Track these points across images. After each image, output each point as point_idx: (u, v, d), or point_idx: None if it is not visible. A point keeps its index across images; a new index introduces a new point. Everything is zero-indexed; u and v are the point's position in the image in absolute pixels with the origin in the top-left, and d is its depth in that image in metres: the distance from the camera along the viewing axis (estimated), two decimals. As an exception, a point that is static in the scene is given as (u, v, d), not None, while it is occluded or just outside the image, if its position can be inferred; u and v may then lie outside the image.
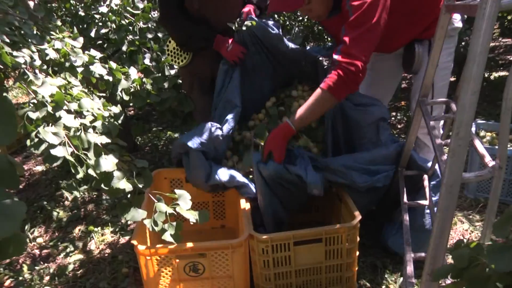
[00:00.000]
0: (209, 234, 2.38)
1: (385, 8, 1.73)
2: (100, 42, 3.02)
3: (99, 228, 2.59)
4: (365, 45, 1.72)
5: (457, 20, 2.18)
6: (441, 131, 2.31)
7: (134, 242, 1.76)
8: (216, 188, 2.13)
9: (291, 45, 2.27)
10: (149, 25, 2.89)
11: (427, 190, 1.99)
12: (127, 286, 2.08)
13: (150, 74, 2.51)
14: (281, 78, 2.39)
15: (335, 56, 1.73)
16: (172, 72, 2.59)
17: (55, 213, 2.74)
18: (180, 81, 2.51)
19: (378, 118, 2.08)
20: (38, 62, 1.87)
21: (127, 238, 2.48)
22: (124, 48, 2.75)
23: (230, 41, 2.24)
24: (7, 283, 2.20)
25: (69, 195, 2.98)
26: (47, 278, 2.19)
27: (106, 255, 2.35)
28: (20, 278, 2.20)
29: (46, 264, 2.31)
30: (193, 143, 2.05)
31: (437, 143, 1.36)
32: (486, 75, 4.86)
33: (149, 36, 2.82)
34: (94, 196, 2.97)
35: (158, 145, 3.85)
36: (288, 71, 2.37)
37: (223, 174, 2.07)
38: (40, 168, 3.56)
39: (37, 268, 2.27)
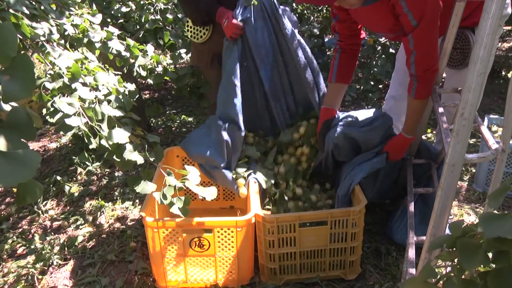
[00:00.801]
0: (218, 213, 2.43)
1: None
2: (121, 21, 3.08)
3: (110, 203, 2.65)
4: (435, 50, 1.80)
5: (507, 4, 2.07)
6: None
7: (143, 214, 1.82)
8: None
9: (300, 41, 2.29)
10: (169, 7, 2.93)
11: (435, 177, 2.01)
12: (134, 260, 2.14)
13: (176, 50, 2.56)
14: (279, 68, 2.38)
15: (412, 71, 1.82)
16: None
17: (67, 187, 2.81)
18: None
19: (386, 128, 2.13)
20: (56, 36, 1.92)
21: (136, 214, 2.55)
22: (147, 26, 2.80)
23: (228, 13, 2.23)
24: (19, 250, 2.29)
25: (83, 170, 3.05)
26: (57, 248, 2.26)
27: (115, 229, 2.42)
28: (32, 246, 2.28)
29: (56, 235, 2.38)
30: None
31: (444, 128, 1.38)
32: (503, 73, 4.82)
33: (170, 16, 2.86)
34: (107, 172, 3.04)
35: (171, 127, 3.91)
36: (288, 64, 2.36)
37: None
38: (54, 145, 3.65)
39: (48, 238, 2.35)
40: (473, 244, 0.82)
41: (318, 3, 1.94)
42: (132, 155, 1.72)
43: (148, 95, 5.15)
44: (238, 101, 2.21)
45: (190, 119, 4.17)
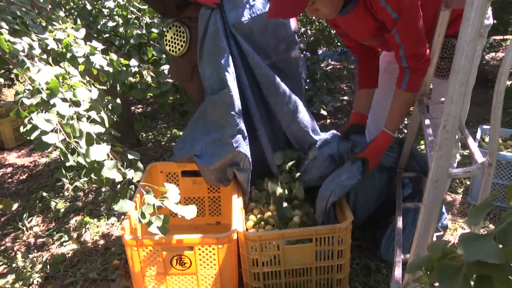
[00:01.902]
0: (203, 230, 2.35)
1: None
2: (107, 35, 3.02)
3: (95, 219, 2.57)
4: (422, 38, 1.72)
5: (488, 15, 2.00)
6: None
7: (121, 231, 1.73)
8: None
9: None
10: (155, 20, 2.88)
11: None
12: (116, 278, 2.05)
13: (160, 65, 2.49)
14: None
15: (404, 64, 1.76)
16: None
17: (53, 203, 2.73)
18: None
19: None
20: (37, 51, 1.87)
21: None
22: (132, 41, 2.74)
23: None
24: (0, 269, 2.19)
25: (70, 185, 2.97)
26: (40, 266, 2.18)
27: (100, 246, 2.33)
28: (14, 265, 2.19)
29: (40, 253, 2.30)
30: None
31: (428, 141, 1.31)
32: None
33: (155, 31, 2.81)
34: (93, 188, 2.96)
35: (161, 141, 3.84)
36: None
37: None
38: (44, 160, 3.57)
39: (30, 256, 2.26)
40: (453, 267, 0.74)
41: (287, 16, 1.88)
42: (110, 172, 1.65)
43: (141, 109, 5.09)
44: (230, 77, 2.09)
45: (181, 133, 4.09)
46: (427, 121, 1.54)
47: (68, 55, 2.02)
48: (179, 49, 2.26)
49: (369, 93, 2.15)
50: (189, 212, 1.62)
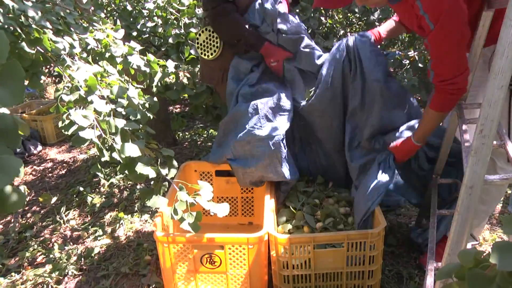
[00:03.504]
0: (235, 229, 2.37)
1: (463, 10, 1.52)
2: (147, 36, 3.09)
3: (129, 215, 2.63)
4: (452, 59, 1.58)
5: None
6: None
7: (153, 228, 1.77)
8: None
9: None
10: (194, 21, 2.92)
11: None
12: (148, 273, 2.09)
13: (197, 64, 2.51)
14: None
15: (432, 79, 1.67)
16: None
17: (89, 198, 2.81)
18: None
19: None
20: (78, 50, 1.92)
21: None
22: (170, 40, 2.80)
23: (278, 53, 2.17)
24: (39, 259, 2.28)
25: (106, 182, 3.05)
26: (75, 258, 2.25)
27: (132, 241, 2.38)
28: (51, 255, 2.27)
29: (75, 245, 2.37)
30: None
31: (465, 146, 1.27)
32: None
33: (193, 30, 2.85)
34: (129, 184, 3.03)
35: (197, 141, 3.88)
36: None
37: None
38: (82, 156, 3.68)
39: (66, 248, 2.34)
40: (485, 277, 0.71)
41: (335, 6, 1.82)
42: (144, 169, 1.68)
43: (179, 109, 5.16)
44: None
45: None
46: (464, 126, 1.49)
47: (107, 54, 2.07)
48: (211, 54, 2.25)
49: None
50: (222, 209, 1.63)
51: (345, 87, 2.11)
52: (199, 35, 2.32)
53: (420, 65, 3.02)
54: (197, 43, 2.32)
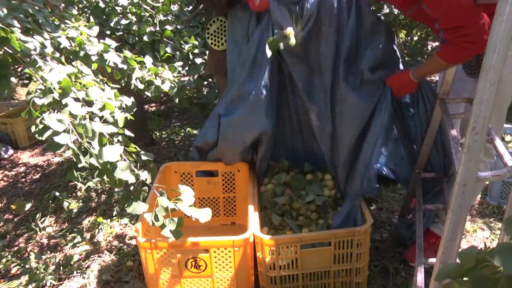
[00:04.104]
0: (218, 230, 2.33)
1: None
2: (121, 33, 3.01)
3: (108, 220, 2.56)
4: (461, 8, 1.51)
5: None
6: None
7: (135, 233, 1.71)
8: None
9: None
10: (169, 18, 2.85)
11: (445, 192, 1.88)
12: (130, 280, 2.03)
13: (173, 63, 2.47)
14: None
15: (442, 35, 1.63)
16: (198, 61, 2.56)
17: (66, 203, 2.73)
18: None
19: None
20: (50, 50, 1.84)
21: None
22: (145, 38, 2.73)
23: None
24: (13, 270, 2.19)
25: (83, 185, 2.96)
26: (53, 267, 2.17)
27: (113, 247, 2.32)
28: (27, 266, 2.18)
29: (53, 254, 2.29)
30: None
31: (453, 142, 1.26)
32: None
33: (169, 28, 2.78)
34: (107, 188, 2.95)
35: (175, 140, 3.82)
36: None
37: None
38: (57, 159, 3.57)
39: (43, 257, 2.26)
40: (489, 279, 0.70)
41: None
42: (123, 174, 1.62)
43: (154, 107, 5.08)
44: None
45: (195, 131, 4.08)
46: (450, 121, 1.49)
47: (81, 53, 2.00)
48: (222, 44, 2.25)
49: None
50: (204, 215, 1.58)
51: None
52: (210, 25, 2.30)
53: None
54: (208, 33, 2.30)
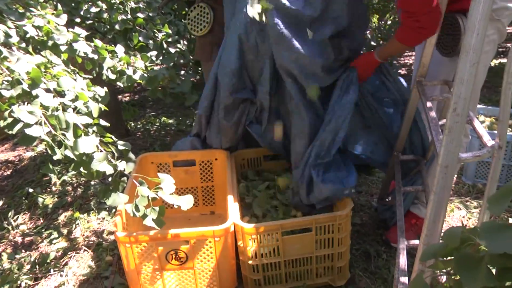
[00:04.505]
0: (197, 221, 2.31)
1: None
2: (91, 22, 2.92)
3: (85, 214, 2.51)
4: None
5: None
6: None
7: (113, 228, 1.68)
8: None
9: None
10: (140, 5, 2.79)
11: (424, 174, 1.90)
12: (110, 275, 2.00)
13: (146, 52, 2.42)
14: None
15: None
16: (172, 50, 2.53)
17: (40, 199, 2.66)
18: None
19: None
20: (15, 39, 1.78)
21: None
22: (117, 26, 2.65)
23: None
24: (-16, 273, 2.12)
25: (57, 180, 2.89)
26: (28, 267, 2.11)
27: (91, 242, 2.27)
28: (-1, 267, 2.12)
29: (28, 252, 2.23)
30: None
31: (433, 123, 1.27)
32: (488, 62, 4.77)
33: (141, 16, 2.72)
34: (83, 181, 2.89)
35: (150, 130, 3.77)
36: None
37: None
38: (29, 154, 3.48)
39: (17, 256, 2.19)
40: (473, 258, 0.70)
41: None
42: (101, 165, 1.59)
43: (128, 97, 5.00)
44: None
45: (171, 121, 4.03)
46: (428, 104, 1.50)
47: (50, 43, 1.93)
48: (201, 29, 2.31)
49: None
50: (186, 202, 1.57)
51: None
52: (191, 11, 2.35)
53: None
54: (188, 19, 2.36)
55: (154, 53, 2.42)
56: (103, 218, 2.48)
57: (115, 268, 2.04)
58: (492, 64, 4.91)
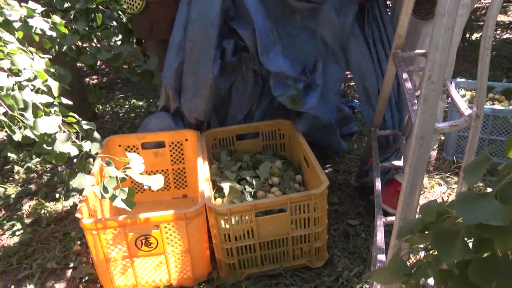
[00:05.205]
0: (169, 205, 2.28)
1: None
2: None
3: (52, 203, 2.43)
4: None
5: None
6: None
7: (78, 215, 1.62)
8: None
9: None
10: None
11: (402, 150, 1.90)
12: (78, 265, 1.95)
13: (111, 34, 2.36)
14: None
15: None
16: None
17: (1, 189, 2.56)
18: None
19: None
20: (-40, 16, 1.69)
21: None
22: (78, 6, 2.55)
23: None
24: None
25: (20, 168, 2.80)
26: (-11, 261, 2.04)
27: (58, 232, 2.21)
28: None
29: (-12, 246, 2.15)
30: None
31: (409, 94, 1.25)
32: (467, 36, 4.80)
33: (104, -7, 2.62)
34: (48, 168, 2.80)
35: (119, 113, 3.69)
36: None
37: None
38: (-10, 140, 3.36)
39: (-23, 251, 2.11)
40: (450, 231, 0.69)
41: None
42: (64, 146, 1.52)
43: (96, 80, 4.87)
44: None
45: (141, 103, 3.96)
46: (405, 75, 1.48)
47: (0, 19, 1.84)
48: (136, 7, 2.26)
49: None
50: (156, 181, 1.53)
51: None
52: None
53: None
54: None
55: (119, 37, 2.37)
56: (71, 206, 2.41)
57: (83, 257, 1.99)
58: (474, 38, 4.94)
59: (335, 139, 2.59)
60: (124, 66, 2.33)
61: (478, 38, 5.00)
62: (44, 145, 1.50)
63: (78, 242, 2.11)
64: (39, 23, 1.93)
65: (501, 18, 5.92)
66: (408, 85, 1.33)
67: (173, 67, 2.13)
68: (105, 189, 1.48)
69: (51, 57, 1.98)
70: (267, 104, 2.30)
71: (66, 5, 2.69)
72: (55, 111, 1.66)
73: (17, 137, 1.45)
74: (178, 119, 2.30)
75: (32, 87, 1.64)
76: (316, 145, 2.48)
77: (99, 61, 3.77)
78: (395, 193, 2.10)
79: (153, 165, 2.25)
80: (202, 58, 2.05)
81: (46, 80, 1.68)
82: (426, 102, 0.94)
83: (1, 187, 2.59)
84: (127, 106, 3.88)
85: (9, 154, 2.77)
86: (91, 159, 1.61)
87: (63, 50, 2.08)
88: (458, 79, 2.85)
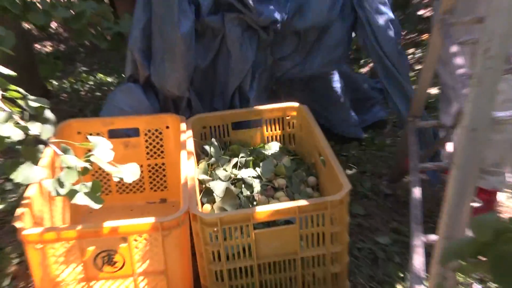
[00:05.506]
0: (143, 211, 2.32)
1: None
2: None
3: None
4: None
5: None
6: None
7: (18, 224, 1.62)
8: None
9: None
10: None
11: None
12: (14, 291, 1.97)
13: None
14: None
15: None
16: None
17: None
18: None
19: None
20: None
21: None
22: None
23: None
24: None
25: None
26: None
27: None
28: None
29: None
30: None
31: (459, 73, 1.24)
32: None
33: None
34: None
35: (80, 91, 3.71)
36: None
37: None
38: None
39: None
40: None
41: None
42: (4, 128, 1.51)
43: (50, 48, 4.91)
44: None
45: (110, 79, 4.01)
46: (454, 48, 1.47)
47: None
48: None
49: None
50: (130, 172, 1.54)
51: None
52: None
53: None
54: None
55: None
56: (8, 212, 2.43)
57: (21, 282, 2.01)
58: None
59: (349, 117, 2.77)
60: (88, 29, 2.34)
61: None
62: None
63: (15, 261, 2.13)
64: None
65: None
66: (458, 60, 1.33)
67: (140, 26, 2.18)
68: (60, 184, 1.47)
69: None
70: (266, 79, 2.39)
71: None
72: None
73: None
74: (151, 92, 2.34)
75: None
76: (330, 130, 2.64)
77: (54, 22, 3.78)
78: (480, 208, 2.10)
79: (122, 158, 2.23)
80: (166, 11, 2.10)
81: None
82: (481, 83, 0.93)
83: None
84: (91, 83, 3.94)
85: None
86: (41, 146, 1.61)
87: (2, 3, 2.09)
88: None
